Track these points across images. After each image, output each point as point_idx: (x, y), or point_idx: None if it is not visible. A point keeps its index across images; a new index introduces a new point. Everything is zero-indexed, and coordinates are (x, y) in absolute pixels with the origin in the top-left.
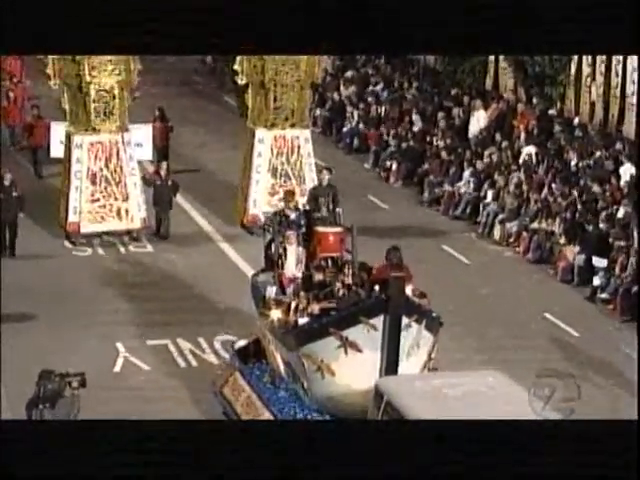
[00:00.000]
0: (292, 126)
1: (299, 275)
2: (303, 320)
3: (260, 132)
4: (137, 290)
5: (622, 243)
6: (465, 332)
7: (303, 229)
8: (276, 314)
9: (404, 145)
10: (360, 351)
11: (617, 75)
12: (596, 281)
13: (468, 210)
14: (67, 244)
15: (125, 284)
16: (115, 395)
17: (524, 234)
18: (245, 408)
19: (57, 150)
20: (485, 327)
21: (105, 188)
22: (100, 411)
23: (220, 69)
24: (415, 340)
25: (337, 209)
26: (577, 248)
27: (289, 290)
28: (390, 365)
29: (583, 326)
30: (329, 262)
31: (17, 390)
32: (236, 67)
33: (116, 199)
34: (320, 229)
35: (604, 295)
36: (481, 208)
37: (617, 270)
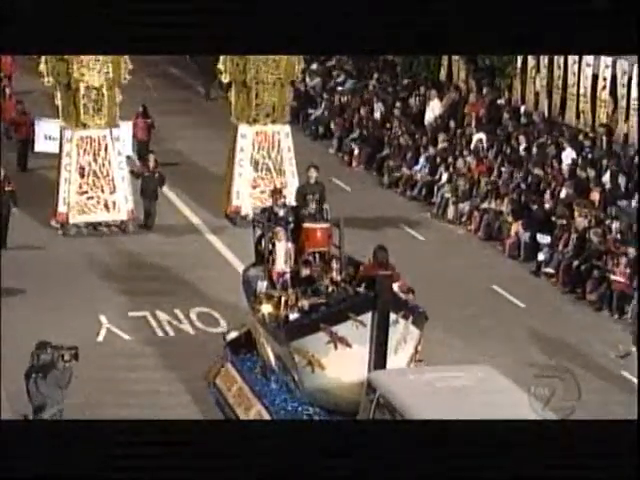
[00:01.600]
0: (273, 122)
1: (288, 270)
2: (294, 315)
3: (243, 128)
4: (120, 271)
5: (564, 222)
6: (419, 301)
7: (291, 225)
8: (267, 309)
9: (365, 132)
10: (349, 346)
11: (559, 68)
12: (540, 256)
13: (424, 192)
14: (58, 233)
15: (108, 266)
16: (98, 363)
17: (475, 213)
18: (237, 399)
19: (41, 145)
20: (438, 298)
21: (93, 181)
22: (83, 377)
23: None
24: (402, 335)
25: (324, 205)
26: (523, 226)
27: (279, 285)
28: (378, 360)
29: (528, 297)
30: (317, 257)
31: (12, 361)
32: (220, 66)
33: (103, 191)
34: (308, 225)
35: (548, 269)
36: (436, 190)
37: (560, 246)
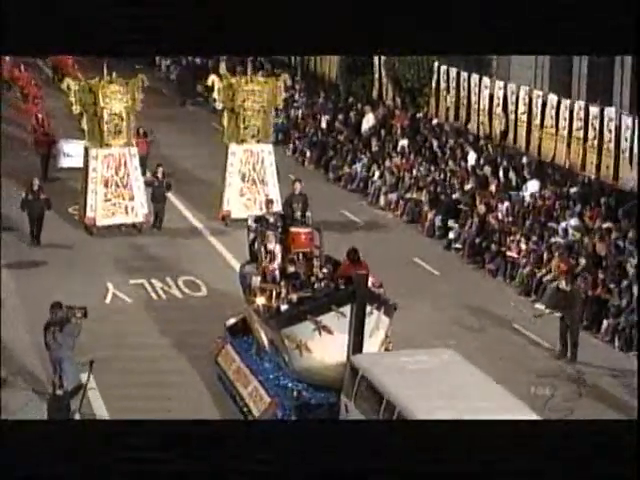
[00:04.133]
0: (258, 142)
1: (277, 267)
2: (284, 307)
3: (233, 147)
4: (124, 252)
5: (468, 208)
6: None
7: (280, 229)
8: (261, 300)
9: (314, 138)
10: (331, 333)
11: (464, 89)
12: (450, 235)
13: (361, 185)
14: (86, 232)
15: (121, 254)
16: (106, 319)
17: (400, 202)
18: (236, 375)
19: (64, 161)
20: (372, 267)
21: (115, 190)
22: (96, 330)
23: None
24: (376, 323)
25: (307, 213)
26: (437, 212)
27: (270, 279)
28: (356, 344)
29: (441, 267)
30: (301, 256)
31: (35, 317)
32: (214, 96)
33: (124, 199)
34: (294, 229)
35: (456, 245)
36: (370, 184)
37: (465, 227)
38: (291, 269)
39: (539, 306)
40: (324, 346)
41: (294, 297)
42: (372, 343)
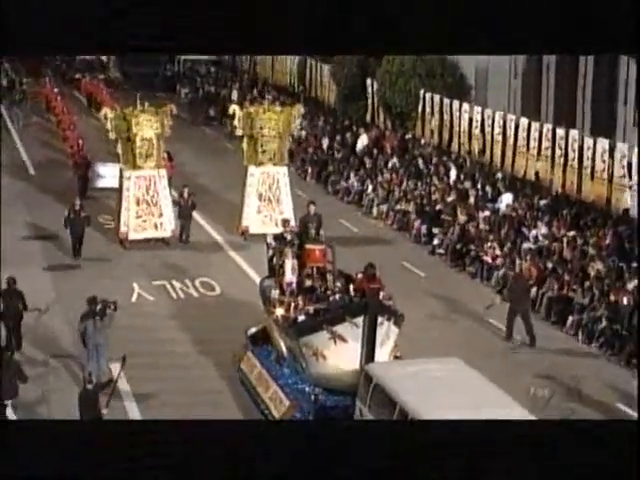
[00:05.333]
0: (274, 165)
1: (294, 280)
2: (301, 317)
3: (251, 169)
4: (147, 257)
5: (449, 218)
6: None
7: (296, 246)
8: (280, 311)
9: (315, 157)
10: (346, 342)
11: (447, 113)
12: (435, 241)
13: (356, 198)
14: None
15: (146, 262)
16: (132, 314)
17: (391, 213)
18: (258, 380)
19: (99, 182)
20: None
21: (146, 208)
22: (125, 323)
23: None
24: (386, 333)
25: (321, 231)
26: (422, 221)
27: (287, 292)
28: (368, 352)
29: (427, 269)
30: (315, 270)
31: (71, 313)
32: (235, 123)
33: (153, 215)
34: (309, 246)
35: (440, 250)
36: (364, 196)
37: (448, 234)
38: (307, 283)
39: (494, 296)
40: (339, 354)
41: (310, 309)
42: (383, 351)
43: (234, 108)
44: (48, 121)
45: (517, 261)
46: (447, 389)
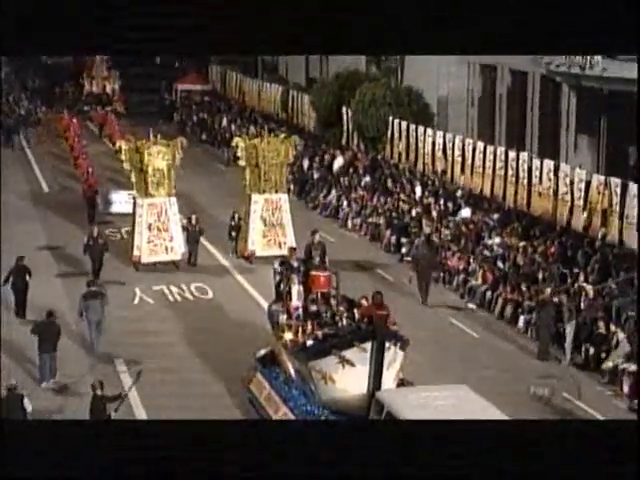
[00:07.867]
0: (276, 192)
1: (300, 305)
2: (309, 342)
3: (255, 196)
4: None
5: (415, 229)
6: (350, 278)
7: (302, 273)
8: (288, 336)
9: (296, 175)
10: (354, 366)
11: (413, 137)
12: (403, 250)
13: (333, 212)
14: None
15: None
16: (134, 314)
17: (364, 225)
18: (267, 402)
19: (112, 208)
20: (344, 278)
21: (157, 234)
22: (124, 326)
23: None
24: (392, 357)
25: (325, 259)
26: (392, 232)
27: (294, 316)
28: (376, 376)
29: (396, 275)
30: (320, 296)
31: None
32: (238, 154)
33: (164, 240)
34: (314, 273)
35: (407, 258)
36: (340, 210)
37: (414, 244)
38: (312, 308)
39: (470, 305)
40: (347, 377)
41: (319, 333)
42: (389, 375)
43: (237, 140)
44: (58, 146)
45: (475, 268)
46: (457, 416)
